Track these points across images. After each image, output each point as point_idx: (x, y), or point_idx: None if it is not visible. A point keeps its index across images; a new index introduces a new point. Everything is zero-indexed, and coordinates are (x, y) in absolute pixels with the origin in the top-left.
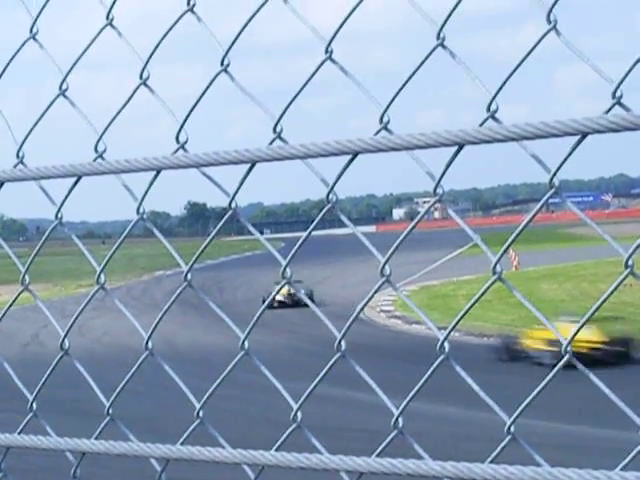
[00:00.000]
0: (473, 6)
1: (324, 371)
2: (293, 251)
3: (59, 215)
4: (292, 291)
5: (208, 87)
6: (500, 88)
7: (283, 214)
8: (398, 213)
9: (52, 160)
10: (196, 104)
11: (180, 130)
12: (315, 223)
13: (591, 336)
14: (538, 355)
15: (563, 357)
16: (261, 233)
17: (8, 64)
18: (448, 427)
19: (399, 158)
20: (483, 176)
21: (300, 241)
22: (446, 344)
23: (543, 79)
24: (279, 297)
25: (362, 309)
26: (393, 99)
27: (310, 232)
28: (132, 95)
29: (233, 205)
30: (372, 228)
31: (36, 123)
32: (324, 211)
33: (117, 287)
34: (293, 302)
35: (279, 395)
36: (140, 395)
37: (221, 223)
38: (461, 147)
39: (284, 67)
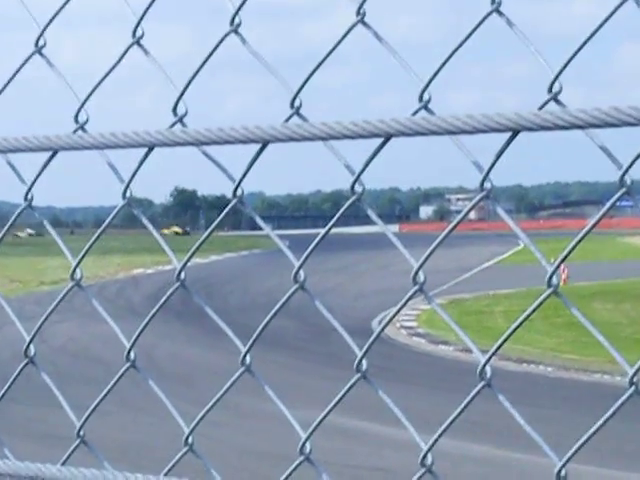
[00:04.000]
0: None
1: (340, 394)
2: (308, 251)
3: (29, 196)
4: None
5: (213, 52)
6: (565, 66)
7: (288, 207)
8: (426, 211)
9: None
10: (198, 71)
11: (178, 101)
12: (336, 218)
13: None
14: None
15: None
16: (260, 229)
17: None
18: (474, 468)
19: (431, 146)
20: (530, 171)
21: (317, 239)
22: (488, 369)
23: (601, 58)
24: None
25: (388, 323)
26: (436, 73)
27: (329, 229)
28: (122, 56)
29: (239, 193)
30: (395, 228)
31: (6, 84)
32: (348, 203)
33: (87, 286)
34: None
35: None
36: (110, 416)
37: (224, 213)
38: (516, 134)
39: (285, 32)
